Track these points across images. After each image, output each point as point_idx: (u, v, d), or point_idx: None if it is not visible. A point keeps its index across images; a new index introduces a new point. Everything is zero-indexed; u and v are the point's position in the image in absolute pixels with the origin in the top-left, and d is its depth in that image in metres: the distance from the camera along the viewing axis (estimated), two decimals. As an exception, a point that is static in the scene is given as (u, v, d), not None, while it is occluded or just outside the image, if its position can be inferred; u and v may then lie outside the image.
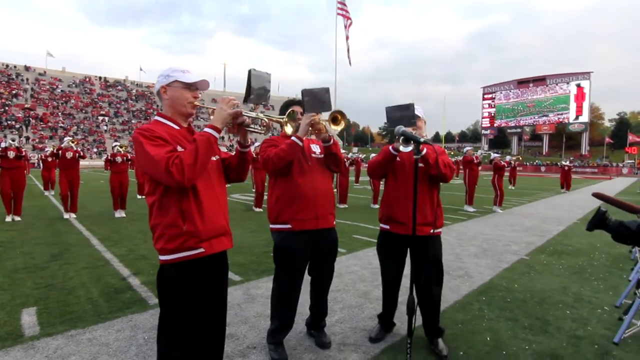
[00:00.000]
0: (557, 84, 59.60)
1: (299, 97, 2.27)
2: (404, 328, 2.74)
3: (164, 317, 1.63)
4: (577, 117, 56.74)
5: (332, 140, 2.29)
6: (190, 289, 1.60)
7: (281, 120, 1.83)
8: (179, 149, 1.56)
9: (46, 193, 11.99)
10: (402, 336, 2.67)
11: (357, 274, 4.10)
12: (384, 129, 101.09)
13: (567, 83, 58.26)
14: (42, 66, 57.49)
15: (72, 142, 7.84)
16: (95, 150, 43.69)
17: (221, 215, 1.71)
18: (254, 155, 7.85)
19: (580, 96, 56.72)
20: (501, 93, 66.48)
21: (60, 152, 7.55)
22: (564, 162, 17.00)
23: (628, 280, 3.80)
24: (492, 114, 67.07)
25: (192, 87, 1.68)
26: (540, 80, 61.92)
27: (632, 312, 2.68)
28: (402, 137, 2.05)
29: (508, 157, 12.27)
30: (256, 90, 1.82)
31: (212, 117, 1.65)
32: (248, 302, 3.22)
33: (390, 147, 2.34)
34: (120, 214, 7.85)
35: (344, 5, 24.20)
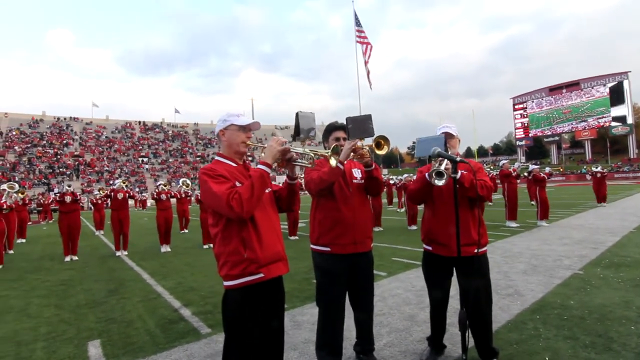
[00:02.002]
0: (592, 87, 56.88)
1: (325, 123, 2.43)
2: (455, 350, 2.69)
3: (229, 340, 1.75)
4: (619, 120, 53.48)
5: (374, 165, 2.40)
6: (253, 313, 1.72)
7: (326, 154, 1.98)
8: (237, 184, 1.74)
9: (97, 233, 12.83)
10: (454, 358, 2.61)
11: (400, 297, 4.06)
12: (412, 148, 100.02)
13: (604, 85, 55.47)
14: (88, 116, 62.78)
15: (124, 184, 8.46)
16: (137, 190, 46.34)
17: (277, 242, 1.86)
18: (199, 197, 8.35)
19: (619, 97, 53.68)
20: (533, 102, 64.25)
21: (112, 193, 8.15)
22: (594, 169, 13.79)
23: (700, 291, 3.50)
24: (526, 124, 64.66)
25: (245, 128, 1.89)
26: (574, 85, 59.39)
27: None
28: (435, 172, 2.10)
29: (547, 169, 11.70)
30: (303, 129, 2.00)
31: (263, 154, 1.83)
32: (295, 329, 3.28)
33: (427, 175, 2.40)
34: (165, 248, 8.26)
35: (362, 32, 24.98)
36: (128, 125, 64.01)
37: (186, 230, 11.65)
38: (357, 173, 2.55)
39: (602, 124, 55.68)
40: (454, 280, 2.52)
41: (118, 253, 7.97)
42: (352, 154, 2.30)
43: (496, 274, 4.66)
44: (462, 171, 2.30)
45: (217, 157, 1.94)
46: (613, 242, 6.34)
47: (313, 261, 2.49)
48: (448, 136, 2.51)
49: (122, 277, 5.77)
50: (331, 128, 2.58)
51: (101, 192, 13.83)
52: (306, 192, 2.48)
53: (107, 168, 49.74)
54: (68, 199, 7.85)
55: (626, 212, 10.37)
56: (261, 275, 1.74)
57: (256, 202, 1.69)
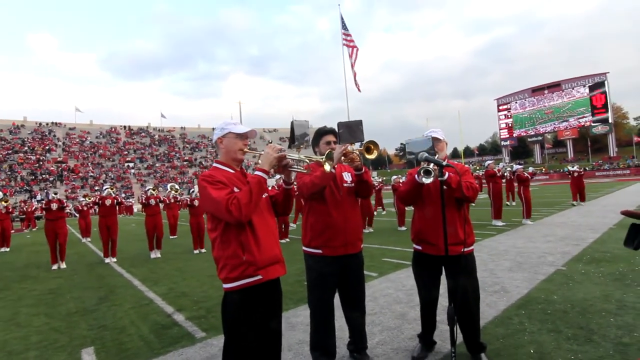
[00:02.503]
0: (573, 88, 58.48)
1: (314, 126, 2.52)
2: (444, 346, 2.78)
3: (229, 341, 1.80)
4: (599, 119, 55.12)
5: (364, 169, 2.48)
6: (252, 314, 1.78)
7: (321, 160, 2.05)
8: (236, 189, 1.81)
9: (84, 240, 12.60)
10: (444, 354, 2.70)
11: (391, 296, 4.15)
12: (400, 149, 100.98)
13: (584, 86, 57.13)
14: (71, 121, 61.51)
15: (112, 190, 8.37)
16: (123, 195, 45.57)
17: (275, 244, 1.93)
18: (189, 202, 8.90)
19: (599, 97, 55.37)
20: (516, 103, 65.68)
21: (100, 200, 8.05)
22: (571, 168, 13.45)
23: (673, 284, 3.68)
24: (510, 125, 66.04)
25: (242, 136, 1.96)
26: (555, 86, 60.97)
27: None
28: (423, 171, 2.20)
29: (531, 169, 12.01)
30: (298, 136, 2.08)
31: (259, 161, 1.90)
32: (289, 330, 3.33)
33: (416, 176, 2.50)
34: (155, 254, 8.18)
35: (348, 35, 25.21)
36: (113, 130, 62.95)
37: (175, 236, 11.56)
38: (347, 177, 2.62)
39: (582, 124, 57.27)
40: (443, 278, 2.62)
41: (107, 260, 7.86)
42: (342, 157, 2.38)
43: (483, 272, 4.80)
44: (450, 173, 2.40)
45: (215, 164, 2.00)
46: (594, 239, 6.57)
47: (305, 263, 2.56)
48: (435, 140, 2.61)
49: (112, 284, 5.71)
50: (321, 132, 2.65)
51: (86, 198, 13.62)
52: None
53: (91, 174, 48.81)
54: (54, 206, 7.72)
55: (606, 210, 10.73)
56: (259, 277, 1.80)
57: (254, 207, 1.75)
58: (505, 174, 10.31)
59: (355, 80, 26.24)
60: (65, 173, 47.07)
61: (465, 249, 2.51)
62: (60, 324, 3.96)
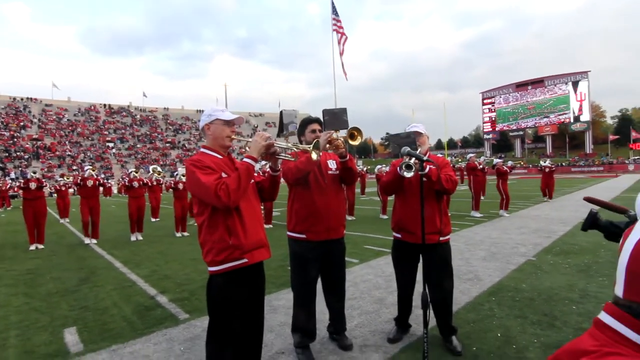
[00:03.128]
0: (555, 85, 59.88)
1: (301, 113, 2.57)
2: (419, 329, 2.94)
3: (213, 323, 1.87)
4: (578, 117, 56.84)
5: (348, 156, 2.55)
6: (236, 296, 1.85)
7: (308, 149, 2.11)
8: (224, 175, 1.84)
9: (62, 221, 12.34)
10: (419, 336, 2.86)
11: (371, 282, 4.30)
12: (386, 139, 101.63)
13: (566, 83, 58.54)
14: (48, 97, 59.04)
15: (93, 171, 8.21)
16: (102, 176, 44.46)
17: (260, 229, 1.99)
18: (173, 185, 8.78)
19: (579, 95, 56.95)
20: (500, 97, 66.84)
21: (82, 181, 7.88)
22: (543, 163, 13.13)
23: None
24: (493, 118, 67.30)
25: (230, 123, 1.99)
26: (538, 82, 62.27)
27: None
28: (404, 165, 2.30)
29: (510, 162, 12.38)
30: (286, 125, 2.13)
31: (248, 148, 1.94)
32: (271, 313, 3.43)
33: (397, 169, 2.59)
34: (136, 237, 8.13)
35: (338, 21, 24.92)
36: (92, 108, 60.82)
37: (158, 219, 11.47)
38: (332, 164, 2.69)
39: (562, 120, 58.90)
40: (420, 266, 2.76)
41: (87, 241, 7.76)
42: (327, 145, 2.45)
43: (459, 260, 5.01)
44: (430, 166, 2.51)
45: (202, 150, 2.02)
46: (564, 232, 6.91)
47: (289, 248, 2.64)
48: (417, 135, 2.71)
49: (93, 266, 5.68)
50: (307, 121, 2.70)
51: (64, 178, 13.29)
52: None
53: (69, 153, 47.27)
54: (33, 185, 7.52)
55: (579, 204, 11.22)
56: (245, 260, 1.86)
57: (242, 193, 1.80)
58: (485, 168, 10.61)
59: (343, 68, 26.14)
60: (41, 151, 45.43)
61: (442, 238, 2.64)
62: (40, 304, 3.94)
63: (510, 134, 66.64)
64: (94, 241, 7.83)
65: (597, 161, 47.31)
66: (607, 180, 25.75)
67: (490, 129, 68.10)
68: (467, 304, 3.51)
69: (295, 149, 2.16)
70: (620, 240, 0.63)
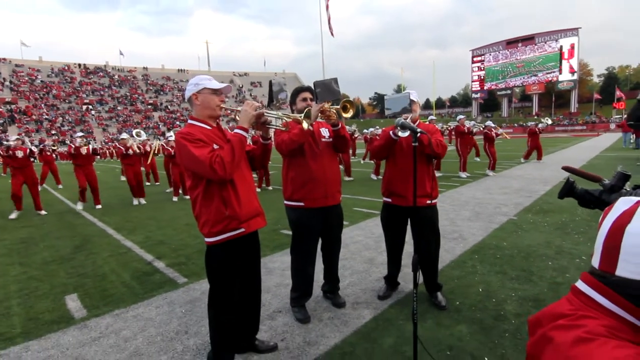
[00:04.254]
0: (545, 42, 59.09)
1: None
2: (407, 287, 3.14)
3: (213, 289, 1.97)
4: (565, 74, 56.78)
5: (340, 124, 2.58)
6: (234, 264, 1.94)
7: (299, 118, 2.11)
8: (215, 146, 1.85)
9: (40, 188, 12.13)
10: (407, 293, 3.06)
11: (361, 243, 4.48)
12: (374, 99, 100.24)
13: (556, 41, 57.77)
14: (17, 57, 55.50)
15: (83, 140, 8.11)
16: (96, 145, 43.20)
17: (254, 198, 2.04)
18: (172, 152, 8.63)
19: (568, 53, 56.51)
20: (490, 55, 65.81)
21: (75, 151, 7.75)
22: (541, 125, 12.64)
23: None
24: (482, 77, 66.70)
25: (218, 92, 1.95)
26: (529, 40, 61.26)
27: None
28: (399, 125, 2.33)
29: (501, 130, 12.53)
30: (276, 94, 2.10)
31: (237, 117, 1.93)
32: (267, 275, 3.58)
33: (391, 133, 2.63)
34: (140, 201, 8.37)
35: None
36: (66, 68, 57.64)
37: (158, 183, 11.68)
38: (325, 132, 2.71)
39: (550, 79, 58.82)
40: (408, 228, 2.89)
41: (79, 207, 7.85)
42: (319, 114, 2.46)
43: (444, 221, 5.23)
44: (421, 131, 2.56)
45: (190, 121, 1.99)
46: (545, 191, 7.20)
47: (287, 217, 2.72)
48: (410, 102, 2.72)
49: (86, 233, 5.72)
50: (298, 90, 2.69)
51: (52, 143, 13.06)
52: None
53: (46, 116, 45.41)
54: (20, 153, 7.31)
55: (560, 164, 11.55)
56: (242, 230, 1.93)
57: (237, 164, 1.82)
58: (474, 130, 10.76)
59: (329, 24, 25.17)
60: (16, 115, 43.47)
61: (430, 202, 2.76)
62: (37, 273, 4.01)
63: (498, 92, 66.52)
64: (99, 207, 7.93)
65: (581, 120, 48.07)
66: (588, 139, 26.36)
67: (479, 88, 67.70)
68: (451, 261, 3.73)
69: (286, 119, 2.16)
70: (601, 217, 0.70)
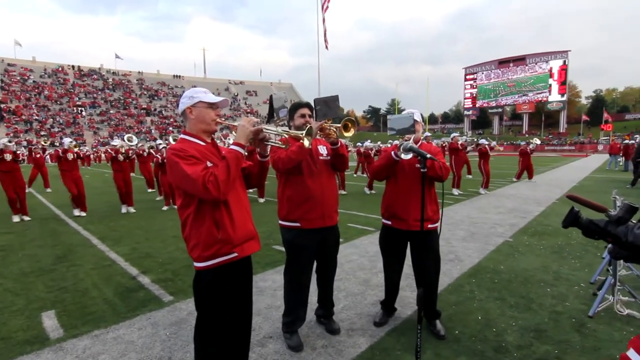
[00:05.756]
0: (536, 63, 60.56)
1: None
2: (404, 312, 3.03)
3: (201, 318, 1.82)
4: (555, 95, 58.07)
5: (339, 143, 2.48)
6: (225, 292, 1.79)
7: (300, 135, 2.01)
8: (209, 164, 1.73)
9: (29, 190, 11.78)
10: (404, 319, 2.94)
11: (356, 262, 4.36)
12: (368, 112, 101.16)
13: (546, 62, 59.27)
14: (10, 56, 54.84)
15: (72, 143, 7.95)
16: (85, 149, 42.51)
17: (248, 220, 1.91)
18: (161, 160, 8.60)
19: (558, 74, 57.93)
20: (482, 73, 67.15)
21: (63, 154, 7.54)
22: (531, 145, 12.66)
23: (602, 258, 4.17)
24: (474, 95, 67.86)
25: (214, 106, 1.84)
26: (520, 60, 62.76)
27: (604, 288, 3.03)
28: (402, 147, 2.25)
29: (494, 143, 12.65)
30: (277, 111, 2.00)
31: (234, 133, 1.81)
32: (257, 295, 3.43)
33: (393, 154, 2.54)
34: (128, 209, 8.14)
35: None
36: (60, 69, 57.07)
37: (154, 189, 11.47)
38: (323, 150, 2.62)
39: (540, 99, 60.11)
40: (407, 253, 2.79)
41: (76, 213, 7.68)
42: (319, 132, 2.36)
43: (440, 240, 5.11)
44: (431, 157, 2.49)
45: (182, 136, 1.86)
46: (539, 212, 7.19)
47: (282, 237, 2.59)
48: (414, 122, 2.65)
49: (69, 242, 5.48)
50: (296, 106, 2.60)
51: (43, 141, 12.86)
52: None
53: (36, 117, 44.67)
54: (8, 157, 7.06)
55: (551, 184, 11.66)
56: (235, 254, 1.79)
57: (232, 183, 1.70)
58: (467, 147, 10.85)
59: (325, 37, 25.51)
60: (5, 114, 42.68)
61: (431, 225, 2.66)
62: (14, 285, 3.79)
63: (490, 110, 67.64)
64: (84, 214, 7.69)
65: (570, 140, 49.00)
66: (578, 160, 26.79)
67: (471, 105, 68.81)
68: (449, 285, 3.62)
69: (285, 135, 2.06)
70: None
